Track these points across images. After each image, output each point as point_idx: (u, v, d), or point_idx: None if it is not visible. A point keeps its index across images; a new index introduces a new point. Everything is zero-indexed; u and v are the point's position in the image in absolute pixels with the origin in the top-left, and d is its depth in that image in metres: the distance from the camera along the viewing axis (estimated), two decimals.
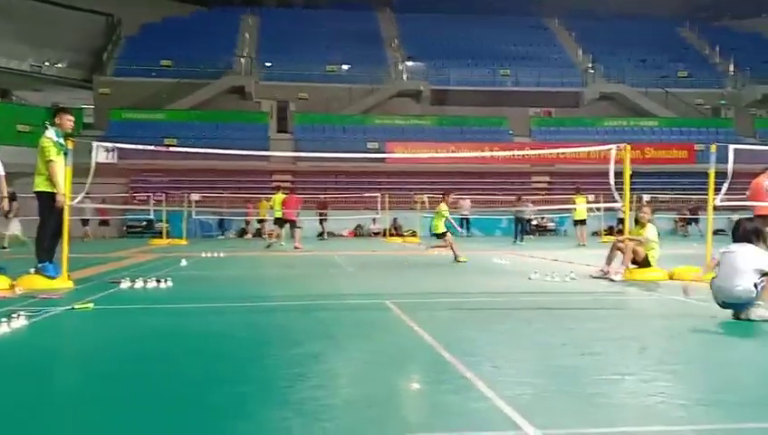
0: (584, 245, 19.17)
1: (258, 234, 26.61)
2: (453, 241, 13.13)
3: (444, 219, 13.26)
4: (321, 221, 26.53)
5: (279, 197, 19.59)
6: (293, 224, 18.81)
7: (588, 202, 20.15)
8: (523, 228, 21.86)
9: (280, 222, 18.96)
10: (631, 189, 9.47)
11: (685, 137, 35.71)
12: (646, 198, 23.33)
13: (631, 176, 9.31)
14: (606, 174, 9.55)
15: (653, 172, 31.07)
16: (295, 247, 17.68)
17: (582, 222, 20.33)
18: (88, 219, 24.32)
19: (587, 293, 7.62)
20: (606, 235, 22.85)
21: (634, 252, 8.99)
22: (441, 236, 13.24)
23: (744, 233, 5.75)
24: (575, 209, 20.12)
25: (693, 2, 46.79)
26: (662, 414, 2.95)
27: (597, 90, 38.45)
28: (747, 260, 5.45)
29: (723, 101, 39.36)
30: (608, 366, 3.87)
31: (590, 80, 39.01)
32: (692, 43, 44.89)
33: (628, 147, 9.45)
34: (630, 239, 9.23)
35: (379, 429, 2.79)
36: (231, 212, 27.29)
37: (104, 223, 26.31)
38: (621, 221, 27.09)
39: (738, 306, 5.45)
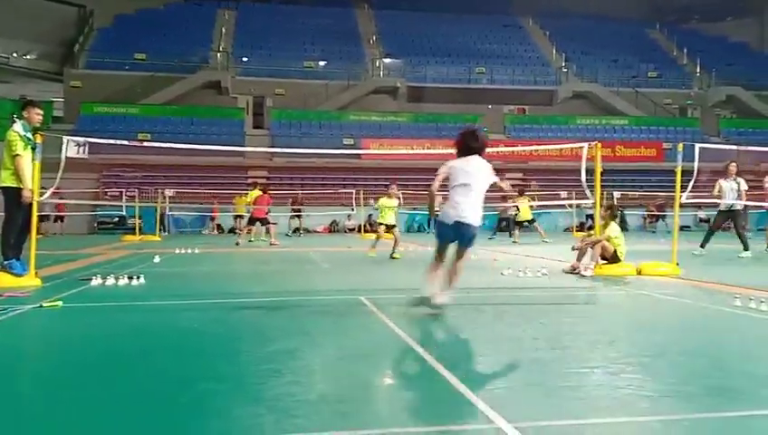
0: (547, 241, 19.27)
1: (232, 230, 26.53)
2: (399, 236, 13.66)
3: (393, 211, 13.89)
4: (295, 217, 26.47)
5: (255, 193, 19.62)
6: (265, 221, 18.87)
7: (530, 202, 20.45)
8: (508, 225, 22.07)
9: (253, 219, 18.98)
10: (602, 186, 9.61)
11: (653, 135, 36.38)
12: (616, 194, 23.69)
13: (602, 173, 9.45)
14: (578, 171, 9.68)
15: (623, 170, 31.52)
16: (271, 244, 17.70)
17: (531, 221, 20.42)
18: (48, 215, 24.04)
19: (558, 288, 7.72)
20: (578, 231, 23.11)
21: (603, 248, 9.14)
22: (390, 228, 13.70)
23: None
24: (518, 212, 20.28)
25: (662, 5, 47.81)
26: (630, 405, 3.01)
27: (570, 88, 38.88)
28: None
29: (690, 102, 40.22)
30: (577, 359, 3.94)
31: (564, 78, 39.45)
32: (661, 45, 45.77)
33: (600, 145, 9.60)
34: (588, 242, 9.39)
35: (351, 423, 2.80)
36: (205, 208, 27.13)
37: (59, 219, 25.65)
38: (591, 217, 27.52)
39: None
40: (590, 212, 26.33)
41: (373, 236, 18.95)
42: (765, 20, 47.72)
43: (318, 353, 4.22)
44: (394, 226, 13.68)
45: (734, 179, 12.71)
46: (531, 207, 20.43)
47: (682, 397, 3.14)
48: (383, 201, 14.00)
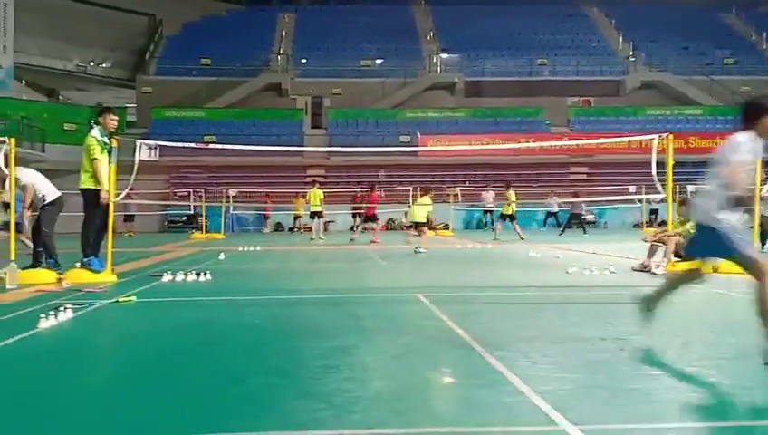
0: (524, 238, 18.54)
1: (292, 229, 27.00)
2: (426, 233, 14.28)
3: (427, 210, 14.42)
4: (354, 215, 26.63)
5: (315, 192, 19.90)
6: (374, 218, 19.33)
7: (516, 198, 19.97)
8: (568, 222, 21.67)
9: (366, 217, 19.54)
10: (674, 180, 9.22)
11: (731, 126, 34.62)
12: (691, 188, 22.76)
13: (674, 166, 9.06)
14: (648, 164, 9.34)
15: (697, 162, 30.24)
16: (372, 241, 17.96)
17: (512, 217, 19.76)
18: (133, 215, 24.95)
19: (627, 287, 7.44)
20: (647, 227, 22.40)
21: (677, 245, 8.73)
22: (420, 225, 14.28)
23: None
24: (506, 204, 19.67)
25: None
26: (704, 410, 2.86)
27: (638, 78, 37.64)
28: None
29: None
30: (647, 361, 3.77)
31: (632, 68, 38.20)
32: (737, 29, 43.58)
33: (671, 136, 9.20)
34: (660, 237, 9.01)
35: (408, 421, 2.76)
36: (268, 207, 27.61)
37: (129, 218, 26.26)
38: (655, 213, 26.61)
39: None
40: (654, 207, 25.61)
41: (432, 233, 19.04)
42: None
43: (374, 350, 4.20)
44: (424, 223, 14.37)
45: None
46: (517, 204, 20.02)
47: (762, 402, 2.94)
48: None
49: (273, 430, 2.64)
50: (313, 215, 20.72)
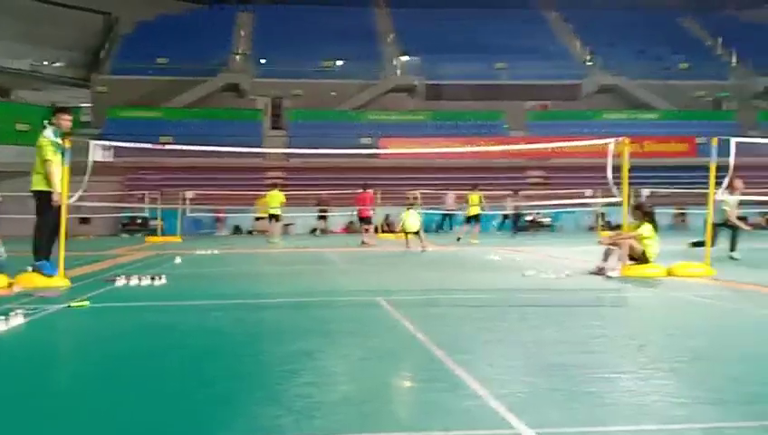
0: (475, 243, 18.75)
1: (251, 232, 26.79)
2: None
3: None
4: (320, 217, 26.64)
5: (275, 194, 19.97)
6: (368, 220, 19.33)
7: (481, 200, 20.10)
8: (518, 223, 21.98)
9: (362, 219, 19.50)
10: (630, 184, 9.38)
11: (685, 130, 35.39)
12: (645, 192, 23.26)
13: (630, 170, 9.21)
14: (604, 168, 9.48)
15: (653, 166, 30.93)
16: (363, 242, 18.16)
17: (477, 218, 20.06)
18: (87, 218, 24.42)
19: (583, 289, 7.56)
20: (603, 230, 22.79)
21: (631, 248, 8.87)
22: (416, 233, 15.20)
23: None
24: (470, 206, 19.96)
25: None
26: (659, 413, 2.88)
27: (596, 82, 38.21)
28: None
29: (725, 93, 38.99)
30: (604, 364, 3.81)
31: (589, 72, 38.81)
32: (694, 34, 44.38)
33: (627, 140, 9.35)
34: (614, 240, 9.15)
35: (370, 426, 2.76)
36: (226, 210, 27.31)
37: (84, 221, 25.65)
38: (601, 216, 27.11)
39: None
40: (602, 211, 26.10)
41: (392, 236, 19.15)
42: None
43: (337, 354, 4.19)
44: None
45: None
46: (481, 206, 20.20)
47: (717, 405, 3.00)
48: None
49: None
50: (271, 217, 20.57)
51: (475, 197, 20.00)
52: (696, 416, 2.83)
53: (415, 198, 17.07)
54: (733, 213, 11.66)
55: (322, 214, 26.48)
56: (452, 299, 6.92)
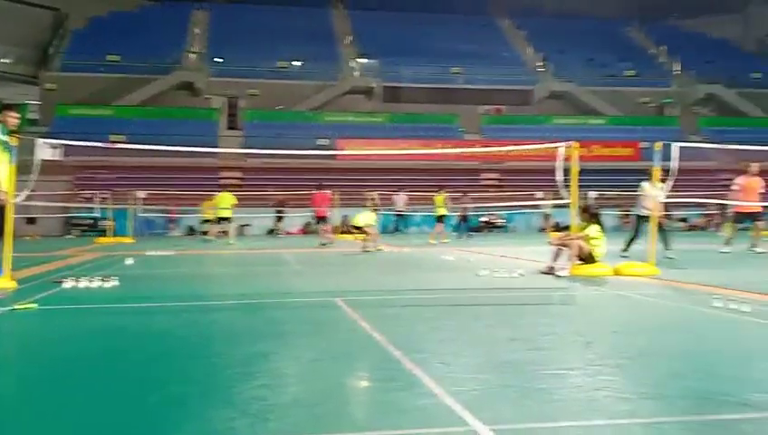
0: (445, 242, 19.32)
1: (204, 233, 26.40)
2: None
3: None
4: (279, 218, 26.47)
5: (225, 196, 20.04)
6: (325, 220, 19.61)
7: (445, 201, 20.72)
8: (466, 225, 22.34)
9: (318, 218, 19.68)
10: (579, 186, 9.62)
11: (630, 135, 36.53)
12: (592, 194, 23.84)
13: (579, 173, 9.45)
14: (554, 171, 9.69)
15: (600, 169, 31.70)
16: (323, 243, 18.22)
17: (440, 219, 20.61)
18: (35, 218, 23.69)
19: (534, 288, 7.71)
20: (553, 231, 23.24)
21: (579, 248, 9.10)
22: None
23: None
24: (437, 206, 20.51)
25: (640, 2, 47.73)
26: (607, 408, 2.98)
27: (547, 88, 39.05)
28: None
29: (668, 100, 40.28)
30: (554, 361, 3.91)
31: (541, 78, 39.60)
32: (639, 42, 45.88)
33: (576, 145, 9.59)
34: (562, 241, 9.37)
35: (326, 427, 2.76)
36: (179, 210, 26.89)
37: (31, 221, 24.75)
38: (547, 217, 27.61)
39: None
40: (547, 212, 26.65)
41: (351, 237, 19.24)
42: (747, 16, 47.77)
43: (291, 356, 4.18)
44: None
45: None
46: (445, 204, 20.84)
47: (661, 400, 3.11)
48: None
49: None
50: (221, 220, 20.46)
51: (439, 198, 20.21)
52: (640, 411, 2.93)
53: (372, 199, 17.24)
54: (649, 202, 10.83)
55: (279, 215, 26.32)
56: (408, 299, 6.98)
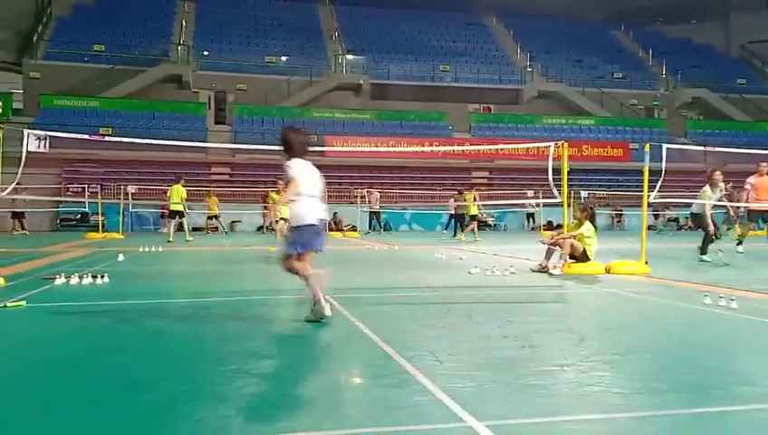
0: (478, 240, 19.37)
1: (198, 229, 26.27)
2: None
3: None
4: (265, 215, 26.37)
5: (177, 189, 18.80)
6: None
7: (475, 199, 20.76)
8: (462, 224, 22.25)
9: (176, 215, 18.83)
10: (569, 186, 9.67)
11: (620, 136, 36.79)
12: (583, 193, 24.00)
13: (569, 172, 9.51)
14: (544, 170, 9.74)
15: (590, 169, 31.92)
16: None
17: (473, 217, 20.65)
18: (23, 212, 23.36)
19: (526, 287, 7.75)
20: (545, 230, 23.36)
21: (572, 247, 9.15)
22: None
23: None
24: (468, 205, 20.49)
25: (626, 6, 48.26)
26: (600, 403, 3.02)
27: (535, 88, 39.16)
28: None
29: (656, 102, 40.69)
30: (547, 357, 3.94)
31: (529, 78, 39.72)
32: (626, 46, 46.34)
33: (566, 144, 9.66)
34: (556, 240, 9.41)
35: (321, 423, 2.76)
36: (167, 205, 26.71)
37: (19, 216, 23.88)
38: (531, 217, 27.81)
39: None
40: (532, 211, 26.78)
41: (339, 234, 19.24)
42: (730, 23, 48.47)
43: (284, 354, 4.18)
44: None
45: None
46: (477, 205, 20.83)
47: (652, 394, 3.15)
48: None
49: None
50: (173, 214, 19.12)
51: (470, 196, 20.48)
52: (634, 405, 2.98)
53: (362, 197, 17.32)
54: (707, 208, 11.21)
55: (264, 212, 26.27)
56: (400, 297, 7.00)
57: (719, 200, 11.83)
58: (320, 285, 5.12)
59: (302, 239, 5.16)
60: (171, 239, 18.01)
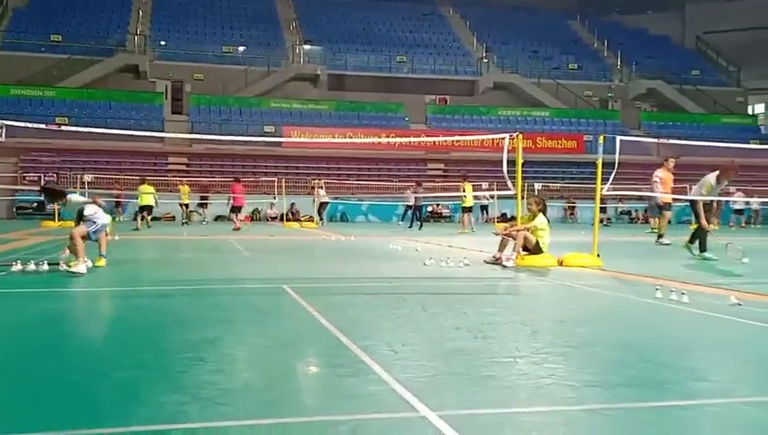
0: (473, 231, 19.71)
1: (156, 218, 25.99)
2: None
3: None
4: (201, 205, 26.30)
5: (144, 187, 20.78)
6: (239, 209, 20.83)
7: (473, 190, 20.91)
8: (420, 215, 22.32)
9: (235, 208, 20.74)
10: (523, 178, 9.78)
11: (574, 127, 37.22)
12: (537, 186, 24.31)
13: (523, 164, 9.61)
14: (499, 162, 9.83)
15: (544, 161, 32.28)
16: (235, 229, 19.06)
17: (469, 209, 20.92)
18: None
19: (480, 278, 7.84)
20: (499, 222, 23.63)
21: (525, 239, 9.23)
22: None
23: None
24: (464, 197, 20.66)
25: None
26: (552, 395, 3.06)
27: (491, 79, 39.35)
28: None
29: (610, 94, 41.09)
30: (500, 349, 3.99)
31: (485, 69, 39.86)
32: (582, 37, 46.57)
33: (521, 136, 9.75)
34: (509, 232, 9.50)
35: (276, 412, 2.78)
36: (126, 194, 26.28)
37: None
38: (485, 209, 28.26)
39: None
40: (485, 203, 27.07)
41: (297, 224, 19.21)
42: (686, 13, 48.87)
43: (241, 342, 4.18)
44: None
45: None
46: (475, 196, 21.29)
47: (604, 387, 3.20)
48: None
49: (141, 424, 2.58)
50: (143, 209, 20.82)
51: (468, 187, 20.45)
52: (586, 398, 3.02)
53: (320, 188, 17.60)
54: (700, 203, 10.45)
55: (203, 202, 26.24)
56: (355, 287, 7.03)
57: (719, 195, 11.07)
58: None
59: None
60: (138, 228, 19.57)
